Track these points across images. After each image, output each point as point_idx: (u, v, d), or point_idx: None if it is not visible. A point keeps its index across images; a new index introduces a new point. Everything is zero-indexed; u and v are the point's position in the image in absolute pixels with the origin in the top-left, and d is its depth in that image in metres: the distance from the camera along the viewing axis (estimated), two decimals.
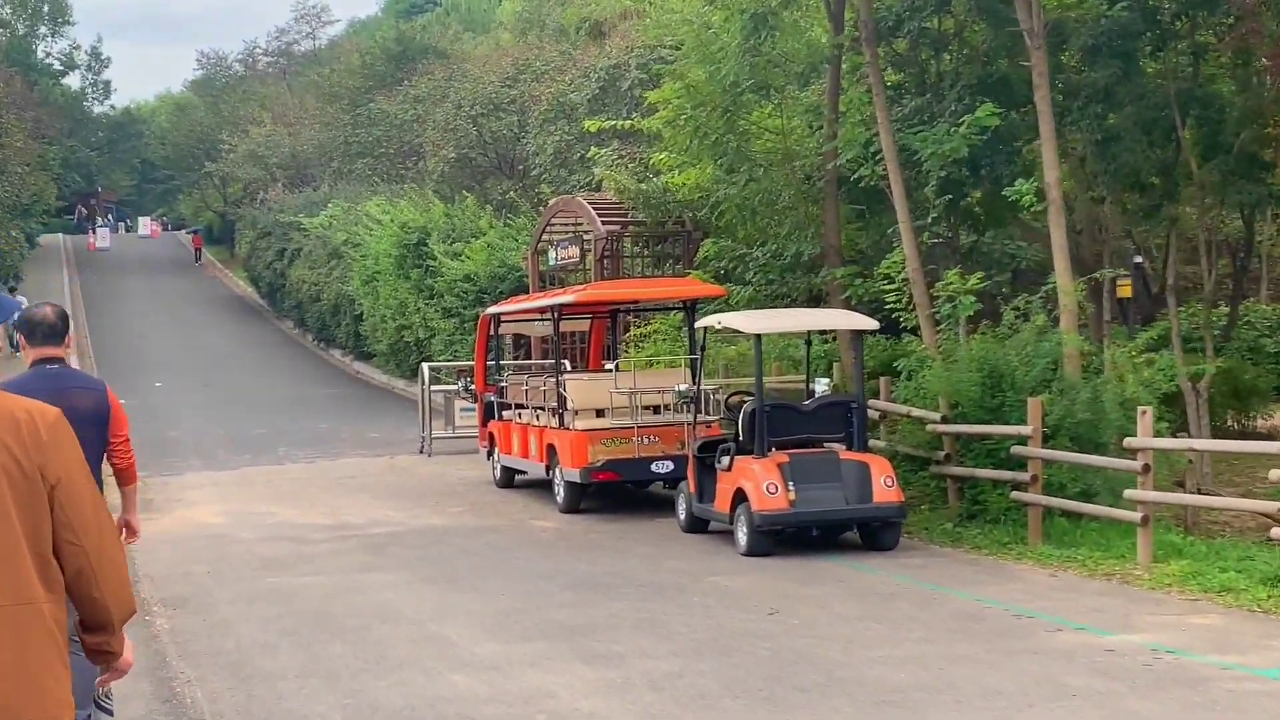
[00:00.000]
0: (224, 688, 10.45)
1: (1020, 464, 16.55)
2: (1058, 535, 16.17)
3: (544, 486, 21.35)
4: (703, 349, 18.85)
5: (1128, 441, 15.17)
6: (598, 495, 20.46)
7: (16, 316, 7.86)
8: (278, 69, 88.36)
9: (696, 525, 17.70)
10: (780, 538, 16.11)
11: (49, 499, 4.35)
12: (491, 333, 24.71)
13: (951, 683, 9.92)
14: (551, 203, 32.40)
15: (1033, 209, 19.16)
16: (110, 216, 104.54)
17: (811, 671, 10.34)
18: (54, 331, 8.01)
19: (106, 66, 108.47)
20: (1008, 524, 16.80)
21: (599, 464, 19.50)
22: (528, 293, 29.93)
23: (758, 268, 24.35)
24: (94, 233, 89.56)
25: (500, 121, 46.55)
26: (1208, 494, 18.84)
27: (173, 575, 15.75)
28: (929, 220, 21.10)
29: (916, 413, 18.40)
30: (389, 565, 16.12)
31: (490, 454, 23.68)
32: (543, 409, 21.15)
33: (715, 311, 20.91)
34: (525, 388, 22.16)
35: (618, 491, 20.67)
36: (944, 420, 17.73)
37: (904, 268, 20.38)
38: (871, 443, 17.78)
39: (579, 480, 19.64)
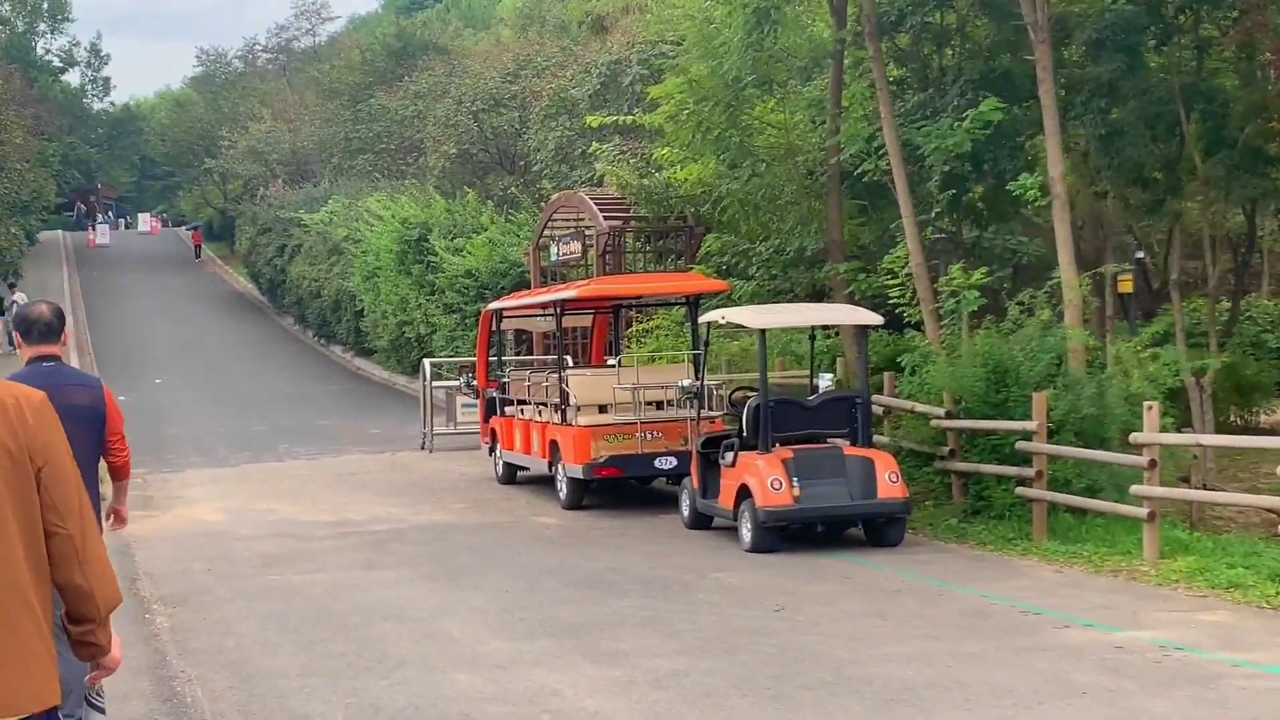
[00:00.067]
0: (225, 686, 10.36)
1: (1025, 459, 16.46)
2: (1063, 531, 16.07)
3: (546, 483, 21.27)
4: (706, 344, 18.75)
5: (1134, 437, 15.07)
6: (600, 491, 20.38)
7: (12, 314, 7.78)
8: (277, 65, 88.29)
9: (700, 521, 17.61)
10: (785, 534, 16.03)
11: (36, 481, 4.33)
12: (494, 328, 24.63)
13: (960, 680, 9.83)
14: (553, 198, 32.29)
15: (1036, 203, 19.07)
16: (110, 213, 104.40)
17: (818, 669, 10.25)
18: (50, 329, 7.95)
19: (106, 63, 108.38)
20: (1012, 520, 16.72)
21: (602, 460, 19.41)
22: (529, 288, 29.82)
23: (760, 263, 24.26)
24: (94, 229, 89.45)
25: (501, 117, 46.43)
26: (1213, 490, 18.75)
27: (173, 573, 15.66)
28: (932, 215, 21.00)
29: (921, 408, 18.32)
30: (391, 562, 16.03)
31: (492, 450, 23.60)
32: (545, 405, 21.06)
33: (718, 307, 20.82)
34: (528, 383, 22.06)
35: (620, 488, 20.60)
36: (948, 415, 17.65)
37: (907, 263, 20.30)
38: (875, 438, 17.68)
39: (582, 476, 19.56)
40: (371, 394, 40.71)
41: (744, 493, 16.06)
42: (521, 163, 45.51)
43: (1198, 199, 22.45)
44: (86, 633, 4.51)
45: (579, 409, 19.99)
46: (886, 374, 19.82)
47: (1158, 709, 9.12)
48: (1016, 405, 16.96)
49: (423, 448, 27.69)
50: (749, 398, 17.22)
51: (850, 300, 21.83)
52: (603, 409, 20.16)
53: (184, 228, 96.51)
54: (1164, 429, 15.36)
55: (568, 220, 31.24)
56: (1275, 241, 30.38)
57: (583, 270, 29.90)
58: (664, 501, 19.98)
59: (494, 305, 24.77)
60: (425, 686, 10.07)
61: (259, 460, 26.81)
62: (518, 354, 30.96)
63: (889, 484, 15.98)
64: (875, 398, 18.42)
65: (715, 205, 25.05)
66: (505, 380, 23.54)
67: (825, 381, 18.49)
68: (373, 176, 53.86)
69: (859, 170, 21.67)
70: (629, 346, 25.44)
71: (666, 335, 26.00)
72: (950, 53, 23.23)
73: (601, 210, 28.76)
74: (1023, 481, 16.50)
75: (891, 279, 20.82)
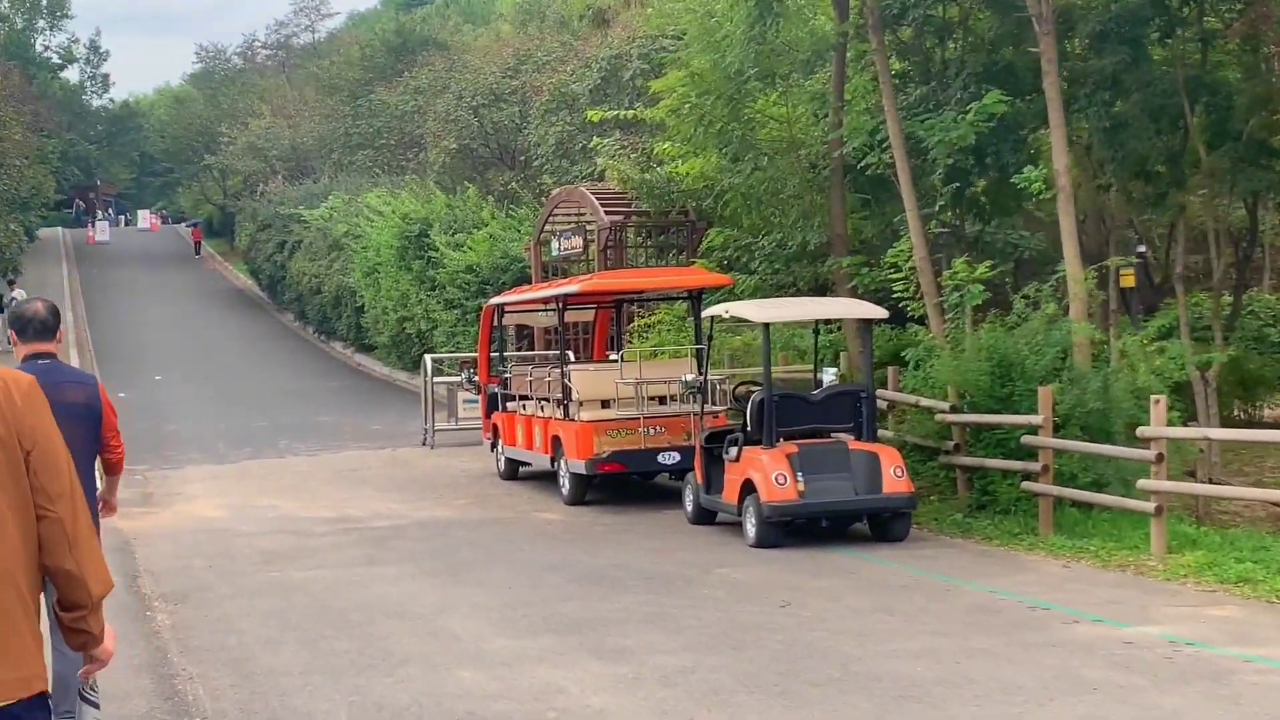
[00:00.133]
0: (226, 684, 10.26)
1: (1031, 454, 16.36)
2: (1069, 526, 15.98)
3: (549, 478, 21.17)
4: (709, 339, 18.64)
5: (1141, 431, 14.97)
6: (603, 487, 20.30)
7: (7, 312, 7.74)
8: (277, 62, 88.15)
9: (704, 517, 17.52)
10: (789, 529, 15.93)
11: (25, 465, 4.29)
12: (495, 323, 24.54)
13: (969, 677, 9.73)
14: (554, 193, 32.19)
15: (1041, 196, 18.97)
16: (110, 210, 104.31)
17: (826, 665, 10.15)
18: (45, 327, 7.96)
19: (105, 60, 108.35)
20: (1018, 514, 16.62)
21: (604, 455, 19.32)
22: (530, 284, 29.72)
23: (763, 257, 24.16)
24: (93, 226, 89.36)
25: (501, 112, 46.33)
26: (1219, 484, 18.66)
27: (173, 570, 15.56)
28: (936, 209, 20.90)
29: (925, 402, 18.23)
30: (392, 559, 15.93)
31: (494, 446, 23.51)
32: (547, 400, 20.96)
33: (721, 302, 20.72)
34: (530, 379, 21.97)
35: (623, 483, 20.52)
36: (953, 410, 17.55)
37: (911, 256, 20.20)
38: (880, 433, 17.58)
39: (584, 472, 19.46)
40: (372, 390, 40.63)
41: (748, 488, 15.96)
42: (522, 158, 45.42)
43: (1201, 192, 22.36)
44: (78, 619, 4.45)
45: (581, 404, 19.89)
46: (890, 368, 19.72)
47: (1170, 705, 9.02)
48: (1022, 399, 16.86)
49: (424, 443, 27.61)
50: (752, 392, 17.13)
51: (853, 294, 21.74)
52: (605, 404, 20.08)
53: (184, 224, 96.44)
54: (1170, 423, 15.27)
55: (569, 215, 31.14)
56: (1277, 235, 30.29)
57: (584, 265, 29.81)
58: (667, 497, 19.88)
59: (496, 300, 24.67)
60: (429, 684, 9.96)
61: (259, 457, 26.72)
62: (519, 349, 30.88)
63: (894, 479, 15.88)
64: (879, 392, 18.30)
65: (717, 199, 24.96)
66: (507, 375, 23.45)
67: (829, 376, 18.42)
68: (373, 172, 53.76)
69: (862, 164, 21.58)
70: (631, 341, 25.35)
71: (668, 330, 25.90)
72: (953, 46, 23.14)
73: (603, 205, 28.66)
74: (1028, 476, 16.40)
75: (895, 273, 20.72)
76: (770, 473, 15.70)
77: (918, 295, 20.29)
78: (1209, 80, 21.15)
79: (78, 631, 4.50)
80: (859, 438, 16.54)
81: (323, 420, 32.55)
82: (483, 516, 19.23)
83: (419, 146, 52.59)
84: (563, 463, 20.02)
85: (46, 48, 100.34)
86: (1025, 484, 16.46)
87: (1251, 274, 27.64)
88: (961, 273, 18.78)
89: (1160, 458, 14.61)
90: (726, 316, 17.95)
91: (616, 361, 21.45)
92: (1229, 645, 10.61)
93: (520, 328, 30.94)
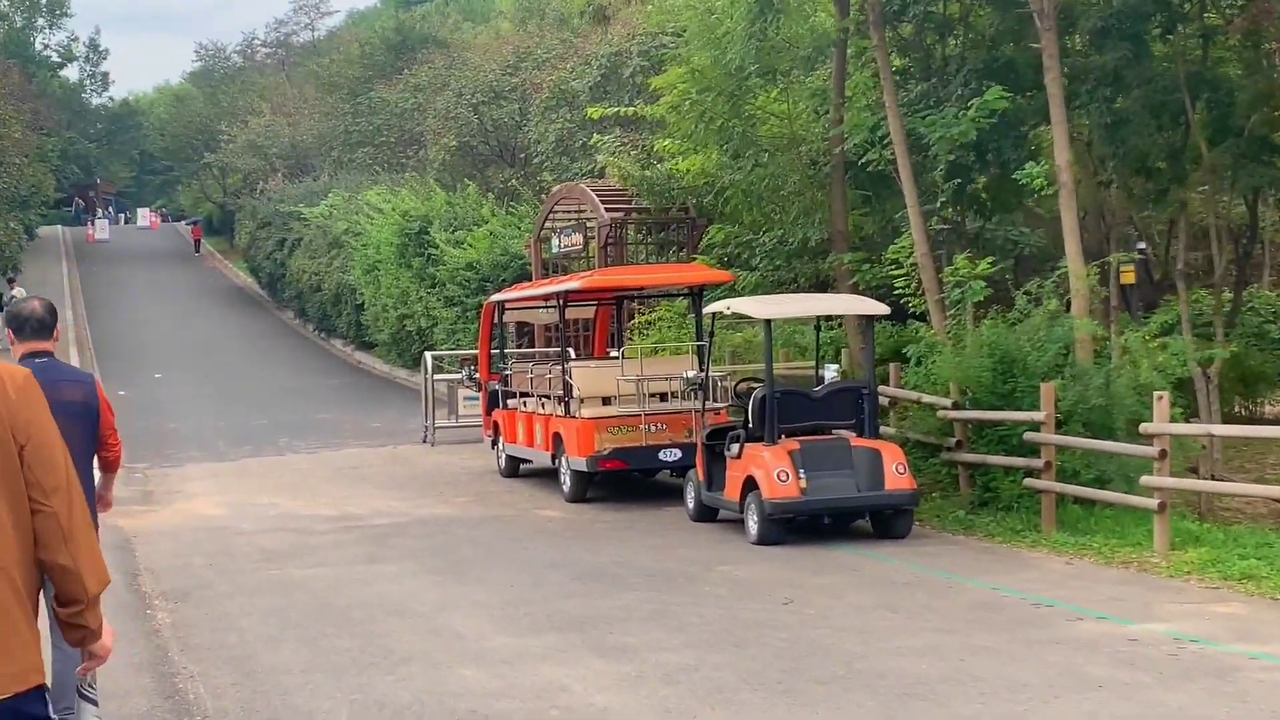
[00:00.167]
0: (227, 683, 10.21)
1: (1033, 450, 16.32)
2: (1071, 522, 15.94)
3: (549, 475, 21.14)
4: (711, 335, 18.59)
5: (1144, 427, 14.92)
6: (604, 484, 20.25)
7: (5, 311, 7.73)
8: (276, 60, 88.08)
9: (705, 514, 17.48)
10: (791, 526, 15.88)
11: (19, 459, 4.28)
12: (496, 320, 24.48)
13: (973, 674, 9.68)
14: (555, 190, 32.14)
15: (1043, 192, 18.93)
16: (110, 208, 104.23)
17: (829, 663, 10.10)
18: (42, 326, 7.96)
19: (104, 58, 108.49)
20: (1020, 511, 16.58)
21: (606, 452, 19.27)
22: (530, 281, 29.68)
23: (764, 254, 24.12)
24: (93, 224, 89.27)
25: (501, 109, 46.27)
26: (1221, 480, 18.63)
27: (173, 568, 15.52)
28: (938, 205, 20.87)
29: (927, 399, 18.18)
30: (393, 556, 15.89)
31: (495, 443, 23.46)
32: (548, 397, 20.91)
33: (722, 298, 20.67)
34: (530, 375, 21.92)
35: (624, 480, 20.47)
36: (955, 406, 17.51)
37: (912, 253, 20.16)
38: (881, 429, 17.54)
39: (585, 469, 19.41)
40: (372, 387, 40.58)
41: (750, 485, 15.92)
42: (522, 155, 45.37)
43: (1202, 188, 22.33)
44: (75, 614, 4.45)
45: (582, 401, 19.84)
46: (892, 365, 19.69)
47: (1175, 702, 8.98)
48: (1024, 396, 16.82)
49: (424, 441, 27.57)
50: (754, 389, 17.08)
51: (855, 291, 21.71)
52: (606, 401, 20.03)
53: (183, 222, 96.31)
54: (1173, 419, 15.23)
55: (569, 212, 31.09)
56: (1277, 232, 30.26)
57: (584, 262, 29.76)
58: (668, 494, 19.84)
59: (497, 297, 24.63)
60: (431, 682, 9.91)
61: (259, 454, 26.67)
62: (519, 346, 30.84)
63: (896, 475, 15.84)
64: (881, 389, 18.27)
65: (718, 196, 24.91)
66: (508, 372, 23.40)
67: (830, 372, 18.37)
68: (372, 170, 53.67)
69: (862, 160, 21.54)
70: (631, 338, 25.31)
71: (669, 327, 25.86)
72: (953, 42, 23.11)
73: (603, 202, 28.61)
74: (1030, 473, 16.35)
75: (896, 269, 20.68)
76: (772, 470, 15.65)
77: (919, 291, 20.26)
78: (1210, 76, 21.12)
79: (75, 627, 4.50)
80: (861, 434, 16.49)
81: (323, 418, 32.49)
82: (483, 514, 19.18)
83: (419, 144, 52.51)
84: (564, 460, 19.98)
85: (46, 46, 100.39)
86: (1027, 481, 16.41)
87: (1251, 270, 27.62)
88: (963, 269, 18.75)
89: (1164, 454, 14.57)
90: (728, 313, 17.91)
91: (617, 358, 21.39)
92: (1234, 642, 10.57)
93: (520, 325, 30.89)
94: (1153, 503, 14.50)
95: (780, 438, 16.10)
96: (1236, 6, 20.98)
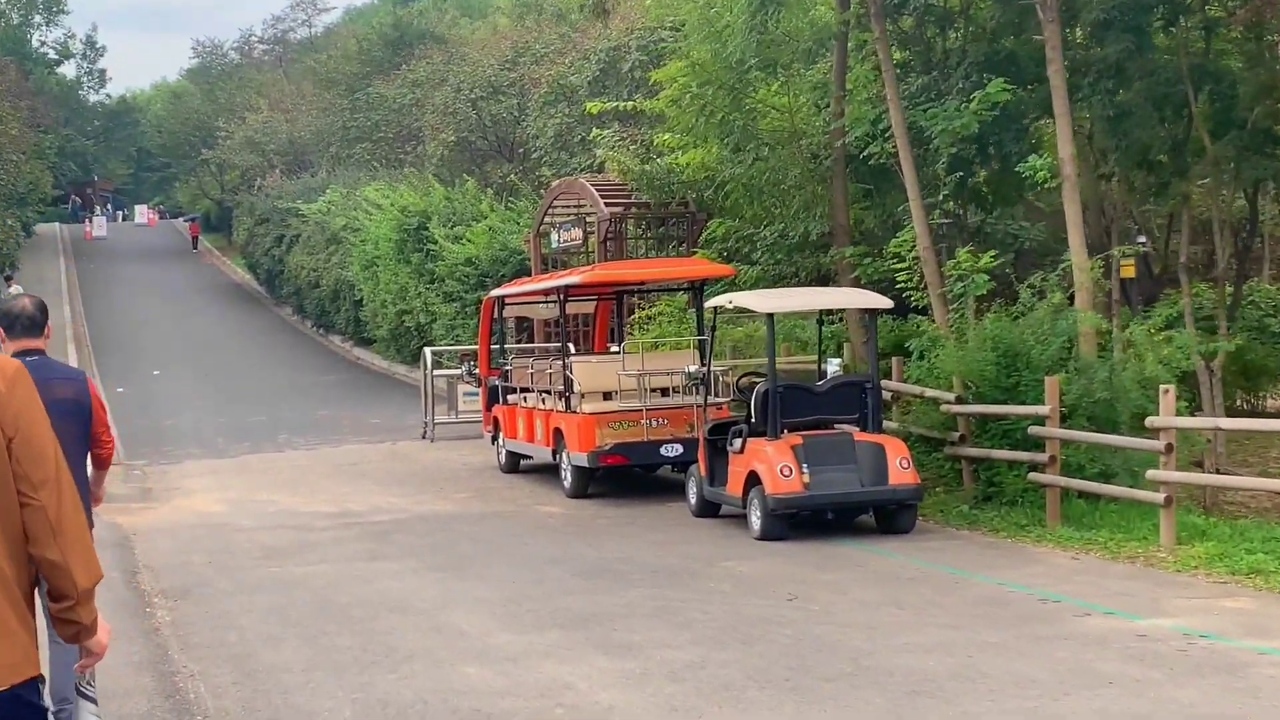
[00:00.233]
0: (228, 682, 10.11)
1: (1037, 444, 16.22)
2: (1076, 517, 15.84)
3: (550, 471, 21.05)
4: (712, 329, 18.49)
5: (1150, 421, 14.83)
6: (605, 480, 20.14)
7: None
8: (274, 56, 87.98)
9: (707, 509, 17.38)
10: (794, 521, 15.79)
11: (7, 452, 4.24)
12: (495, 316, 24.38)
13: (982, 671, 9.58)
14: (554, 184, 32.05)
15: (1046, 185, 18.83)
16: (108, 205, 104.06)
17: (836, 660, 9.99)
18: (33, 323, 7.92)
19: (102, 55, 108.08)
20: (1024, 506, 16.49)
21: (607, 448, 19.17)
22: (530, 276, 29.58)
23: (765, 248, 24.00)
24: (91, 221, 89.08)
25: (500, 104, 46.19)
26: (1227, 474, 18.54)
27: (173, 565, 15.42)
28: (940, 199, 20.77)
29: (930, 393, 18.07)
30: (394, 553, 15.78)
31: (495, 439, 23.37)
32: (549, 392, 20.81)
33: (723, 293, 20.57)
34: (531, 371, 21.82)
35: (626, 476, 20.35)
36: (958, 400, 17.41)
37: (914, 246, 20.06)
38: (884, 424, 17.44)
39: (586, 464, 19.32)
40: (371, 383, 40.48)
41: (753, 480, 15.82)
42: (521, 150, 45.29)
43: (1203, 181, 22.23)
44: (66, 609, 4.40)
45: (583, 396, 19.74)
46: (894, 359, 19.58)
47: (1186, 698, 8.87)
48: (1028, 389, 16.72)
49: (424, 437, 27.46)
50: (756, 384, 16.98)
51: (856, 284, 21.60)
52: (607, 396, 19.94)
53: (181, 219, 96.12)
54: (1178, 413, 15.13)
55: (568, 207, 31.00)
56: (1277, 226, 30.17)
57: (583, 257, 29.67)
58: (670, 489, 19.75)
59: (497, 292, 24.52)
60: (434, 680, 9.81)
61: (258, 451, 26.58)
62: (518, 342, 30.74)
63: (900, 470, 15.74)
64: (884, 383, 18.15)
65: (718, 190, 24.80)
66: (508, 368, 23.30)
67: (833, 367, 18.28)
68: (371, 165, 53.58)
69: (864, 153, 21.44)
70: (631, 333, 25.21)
71: (668, 322, 25.76)
72: (954, 35, 23.01)
73: (603, 196, 28.50)
74: (1035, 467, 16.26)
75: (898, 263, 20.59)
76: (775, 464, 15.55)
77: (921, 285, 20.16)
78: (1213, 68, 21.04)
79: (67, 622, 4.45)
80: (864, 429, 16.40)
81: (322, 414, 32.40)
82: (484, 510, 19.09)
83: (417, 139, 52.42)
84: (565, 455, 19.88)
85: (43, 43, 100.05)
86: (1032, 475, 16.32)
87: (1251, 264, 27.53)
88: (966, 262, 18.65)
89: (1170, 448, 14.47)
90: (730, 307, 17.81)
91: (618, 353, 21.29)
92: (1244, 638, 10.47)
93: (519, 320, 30.79)
94: (1159, 497, 14.40)
95: (783, 432, 16.00)
96: None
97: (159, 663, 10.80)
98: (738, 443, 16.32)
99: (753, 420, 16.41)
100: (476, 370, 25.05)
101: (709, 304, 18.38)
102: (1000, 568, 13.80)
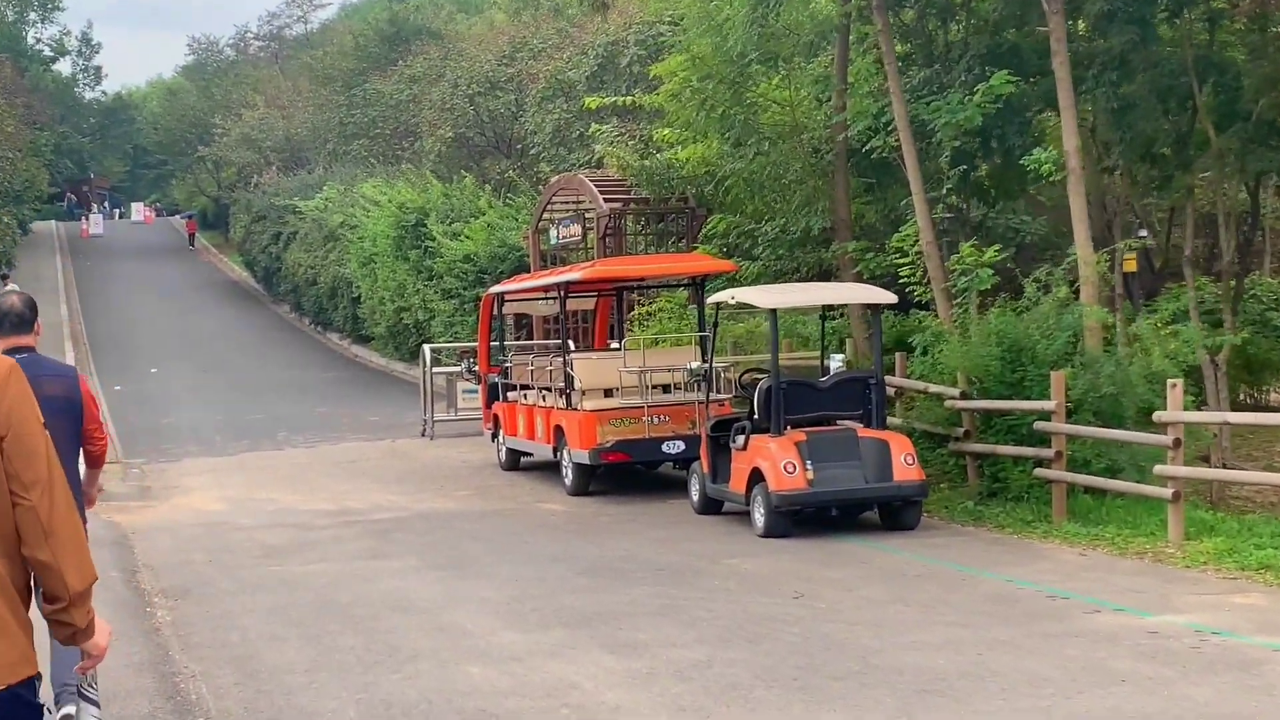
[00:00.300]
0: (230, 682, 9.98)
1: (1043, 440, 16.10)
2: (1082, 513, 15.72)
3: (551, 469, 20.93)
4: (714, 325, 18.36)
5: (1158, 415, 14.72)
6: (607, 477, 20.01)
7: None
8: (269, 53, 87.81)
9: (710, 507, 17.25)
10: (798, 518, 15.67)
11: None
12: (495, 312, 24.25)
13: (992, 669, 9.46)
14: (553, 180, 31.91)
15: (1050, 179, 18.71)
16: (104, 203, 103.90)
17: (845, 659, 9.87)
18: (22, 320, 7.90)
19: (97, 52, 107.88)
20: (1030, 502, 16.39)
21: (608, 445, 19.05)
22: (529, 272, 29.44)
23: (766, 243, 23.88)
24: (87, 219, 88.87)
25: (498, 100, 46.02)
26: (1233, 469, 18.44)
27: (172, 565, 15.29)
28: (943, 192, 20.65)
29: (934, 389, 17.96)
30: (395, 551, 15.67)
31: (495, 436, 23.25)
32: (550, 389, 20.68)
33: (724, 288, 20.45)
34: (531, 368, 21.69)
35: (627, 473, 20.23)
36: (963, 396, 17.29)
37: (917, 241, 19.95)
38: (888, 420, 17.32)
39: (588, 462, 19.19)
40: (369, 381, 40.34)
41: (756, 476, 15.71)
42: (519, 146, 45.13)
43: (1205, 174, 22.12)
44: (59, 611, 4.33)
45: (584, 393, 19.62)
46: (898, 354, 19.46)
47: (1201, 696, 8.76)
48: (1033, 384, 16.61)
49: (423, 434, 27.34)
50: (758, 380, 16.86)
51: (858, 279, 21.48)
52: (608, 393, 19.82)
53: (178, 216, 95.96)
54: (1185, 407, 15.02)
55: (567, 203, 30.86)
56: (1278, 219, 30.10)
57: (583, 253, 29.55)
58: (672, 487, 19.64)
59: (496, 289, 24.38)
60: (438, 680, 9.69)
61: (257, 449, 26.44)
62: (518, 339, 30.61)
63: (904, 466, 15.62)
64: (887, 379, 18.04)
65: (718, 185, 24.68)
66: (508, 365, 23.17)
67: (836, 363, 18.16)
68: (368, 162, 53.39)
69: (866, 147, 21.32)
70: (631, 330, 25.09)
71: (669, 318, 25.65)
72: (956, 27, 22.88)
73: (602, 192, 28.38)
74: (1040, 462, 16.14)
75: (901, 258, 20.46)
76: (779, 461, 15.44)
77: (924, 280, 20.04)
78: (1217, 60, 20.93)
79: (61, 624, 4.39)
80: (868, 425, 16.28)
81: (320, 412, 32.26)
82: (485, 508, 18.97)
83: (414, 136, 52.23)
84: (566, 453, 19.76)
85: (38, 40, 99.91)
86: (1038, 471, 16.20)
87: (1253, 258, 27.45)
88: (970, 257, 18.53)
89: (1177, 443, 14.36)
90: (732, 302, 17.68)
91: (619, 350, 21.16)
92: (1256, 634, 10.36)
93: (519, 317, 30.67)
94: (1167, 492, 14.28)
95: (786, 429, 15.89)
96: None
97: (160, 663, 10.67)
98: (740, 439, 16.20)
99: (755, 417, 16.29)
100: (476, 367, 24.93)
101: (711, 300, 18.26)
102: (1007, 564, 13.68)
